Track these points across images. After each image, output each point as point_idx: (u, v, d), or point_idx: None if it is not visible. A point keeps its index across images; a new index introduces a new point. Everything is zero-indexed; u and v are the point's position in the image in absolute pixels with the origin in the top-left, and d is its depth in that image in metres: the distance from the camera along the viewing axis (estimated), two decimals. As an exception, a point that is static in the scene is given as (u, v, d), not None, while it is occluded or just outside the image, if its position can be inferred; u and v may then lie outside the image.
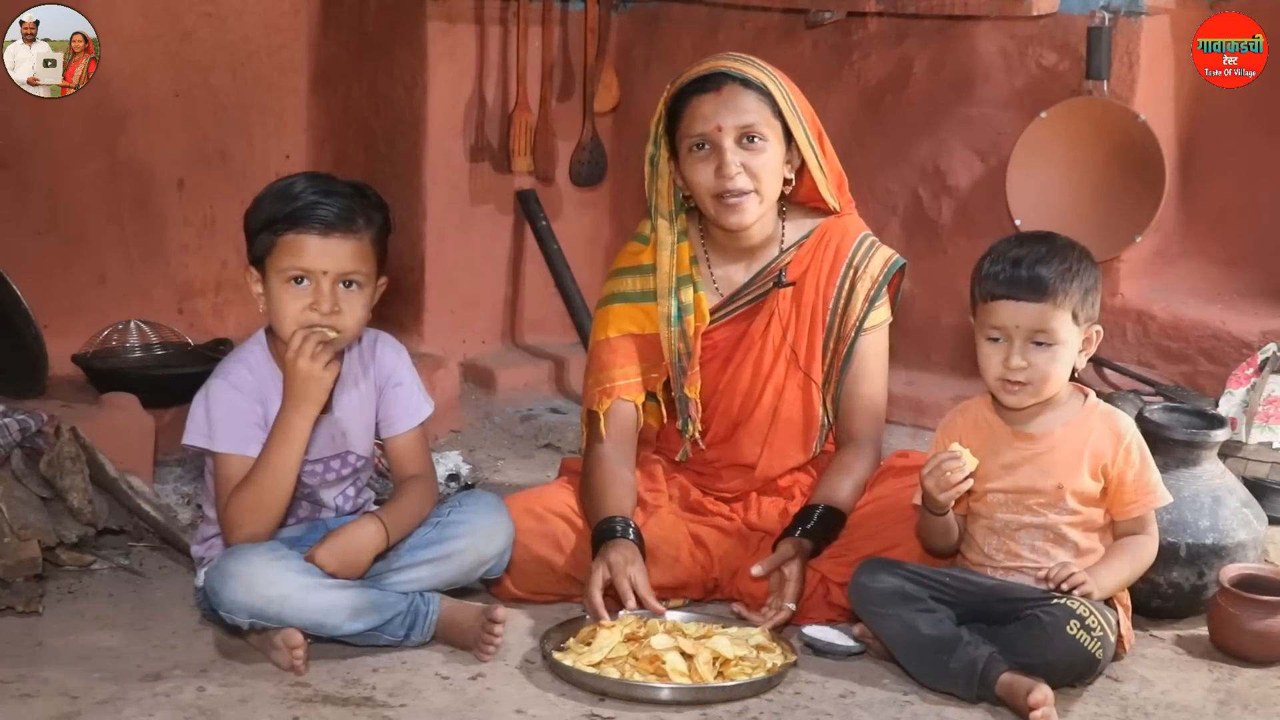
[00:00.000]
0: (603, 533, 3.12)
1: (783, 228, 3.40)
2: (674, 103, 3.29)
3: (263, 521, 2.89)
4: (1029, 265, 2.84)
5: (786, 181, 3.33)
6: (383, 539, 2.95)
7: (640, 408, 3.38)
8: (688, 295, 3.36)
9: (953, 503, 2.90)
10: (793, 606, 3.06)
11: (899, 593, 2.89)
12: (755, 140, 3.23)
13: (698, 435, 3.40)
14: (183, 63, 4.59)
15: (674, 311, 3.34)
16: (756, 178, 3.25)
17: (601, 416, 3.34)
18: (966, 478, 2.85)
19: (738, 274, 3.41)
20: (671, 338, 3.35)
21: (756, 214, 3.29)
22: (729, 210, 3.27)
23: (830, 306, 3.37)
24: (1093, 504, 2.94)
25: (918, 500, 3.00)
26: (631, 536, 3.11)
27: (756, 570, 3.10)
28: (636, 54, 5.00)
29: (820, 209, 3.42)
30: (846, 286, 3.37)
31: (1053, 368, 2.86)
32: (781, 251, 3.39)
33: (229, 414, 2.92)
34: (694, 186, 3.29)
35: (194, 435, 2.95)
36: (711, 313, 3.38)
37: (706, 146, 3.24)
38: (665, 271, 3.36)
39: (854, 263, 3.37)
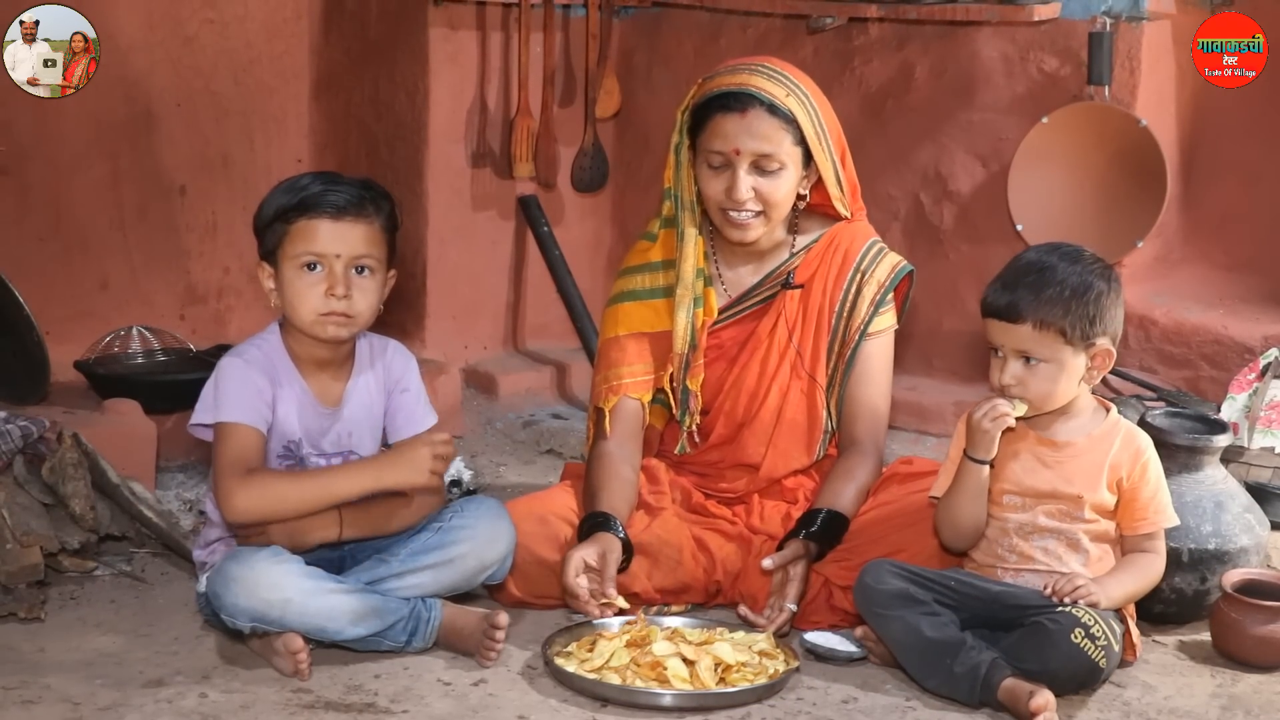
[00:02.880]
0: (589, 526, 3.13)
1: (793, 233, 3.42)
2: (699, 110, 3.29)
3: (268, 514, 2.89)
4: (1012, 287, 2.87)
5: (800, 196, 3.35)
6: (334, 530, 2.95)
7: (646, 406, 3.39)
8: (699, 289, 3.38)
9: (995, 450, 2.90)
10: (794, 607, 3.07)
11: (903, 595, 2.90)
12: (771, 168, 3.24)
13: (694, 429, 3.41)
14: (185, 69, 4.59)
15: (692, 303, 3.35)
16: (767, 202, 3.26)
17: (607, 413, 3.35)
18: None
19: (746, 275, 3.42)
20: (685, 330, 3.36)
21: (760, 233, 3.31)
22: (733, 227, 3.29)
23: (836, 310, 3.38)
24: (1108, 515, 2.95)
25: (937, 493, 3.01)
26: (621, 534, 3.12)
27: (766, 564, 3.11)
28: (638, 60, 5.00)
29: (831, 215, 3.44)
30: (853, 291, 3.38)
31: (1044, 386, 2.88)
32: (791, 255, 3.41)
33: (239, 386, 2.93)
34: (704, 196, 3.31)
35: (201, 414, 2.95)
36: (720, 312, 3.40)
37: (721, 165, 3.25)
38: (691, 264, 3.36)
39: (861, 267, 3.39)
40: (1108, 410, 3.00)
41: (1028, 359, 2.88)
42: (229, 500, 2.89)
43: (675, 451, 3.45)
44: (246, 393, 2.93)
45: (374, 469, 2.94)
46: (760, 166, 3.24)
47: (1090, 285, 2.87)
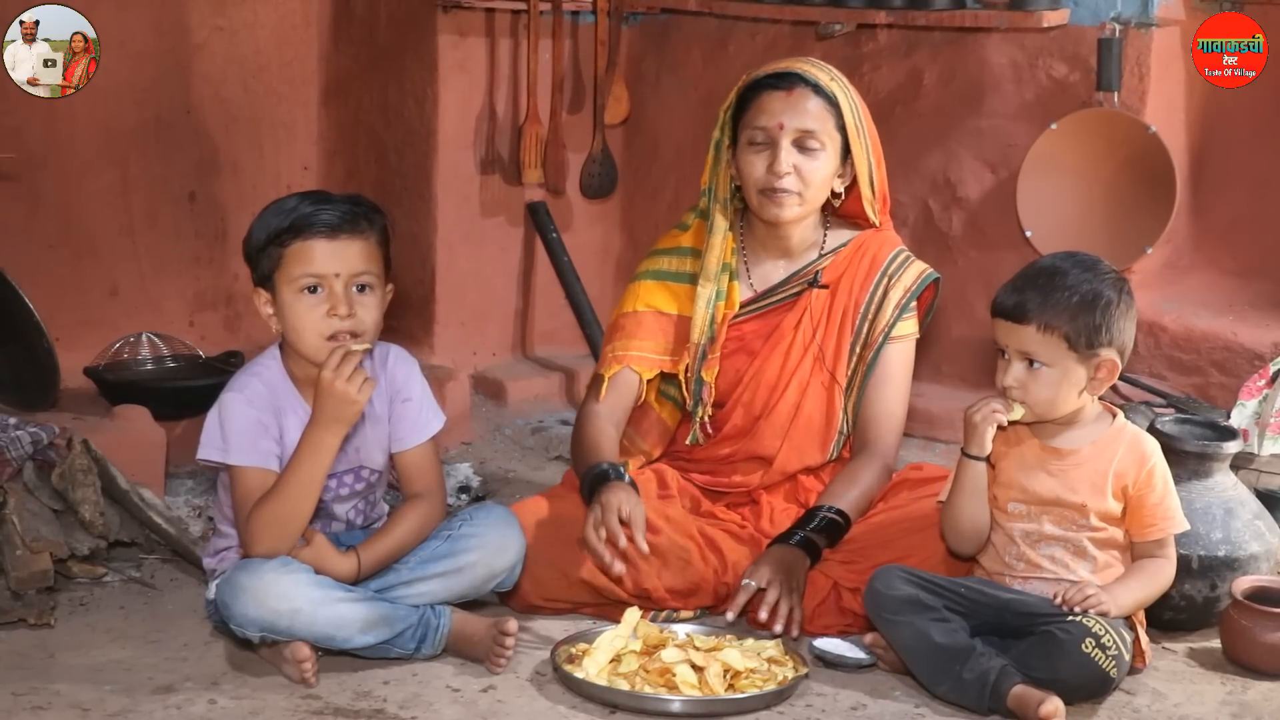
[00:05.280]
0: (595, 479, 3.15)
1: (824, 235, 3.45)
2: (745, 93, 3.36)
3: (284, 536, 2.87)
4: (1022, 289, 2.89)
5: (835, 195, 3.39)
6: (354, 571, 2.94)
7: (644, 382, 3.43)
8: (723, 282, 3.40)
9: (989, 447, 2.92)
10: (749, 583, 3.07)
11: (914, 601, 2.90)
12: (812, 146, 3.29)
13: (706, 419, 3.42)
14: (194, 76, 4.60)
15: (714, 294, 3.38)
16: (805, 181, 3.31)
17: (606, 380, 3.39)
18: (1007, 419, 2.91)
19: (774, 272, 3.46)
20: (706, 319, 3.37)
21: (795, 214, 3.34)
22: (770, 203, 3.33)
23: (861, 311, 3.41)
24: (1114, 523, 2.95)
25: (943, 497, 3.02)
26: (626, 480, 3.14)
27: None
28: (647, 66, 5.01)
29: (860, 225, 3.48)
30: (879, 294, 3.42)
31: (1045, 392, 2.89)
32: (819, 256, 3.45)
33: (244, 427, 2.91)
34: (744, 177, 3.36)
35: (209, 450, 2.94)
36: (744, 305, 3.43)
37: (764, 141, 3.30)
38: (716, 254, 3.41)
39: (888, 272, 3.43)
40: (1113, 416, 2.99)
41: (1031, 362, 2.88)
42: (248, 549, 2.90)
43: (687, 442, 3.46)
44: (253, 433, 2.91)
45: (320, 431, 2.84)
46: (802, 144, 3.30)
47: (1100, 294, 2.87)
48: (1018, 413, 2.90)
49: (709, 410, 3.43)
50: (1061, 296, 2.86)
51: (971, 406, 2.94)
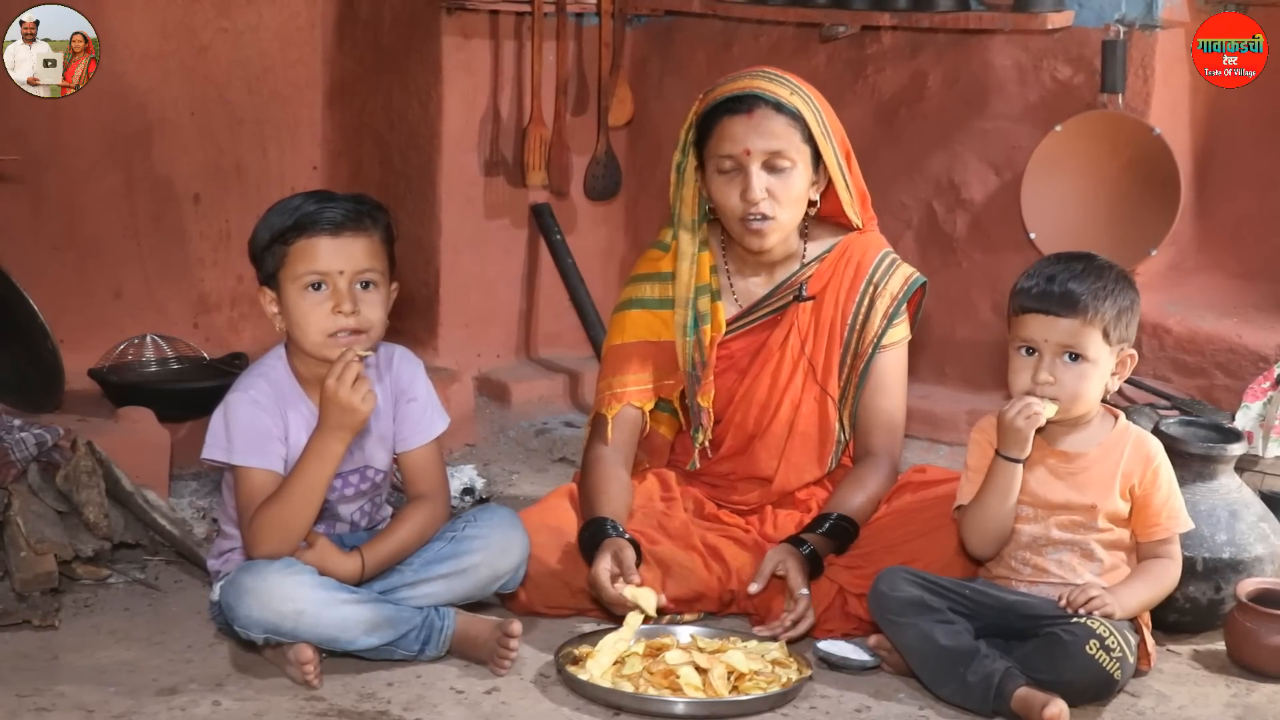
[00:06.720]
0: (593, 534, 3.13)
1: (804, 243, 3.41)
2: (704, 119, 3.29)
3: (287, 538, 2.88)
4: (1062, 281, 2.87)
5: (811, 203, 3.34)
6: (357, 573, 2.94)
7: (646, 414, 3.40)
8: (705, 304, 3.37)
9: (1029, 449, 2.87)
10: (806, 591, 3.06)
11: (918, 602, 2.89)
12: (782, 166, 3.24)
13: (707, 444, 3.41)
14: (199, 78, 4.60)
15: (690, 321, 3.35)
16: (780, 203, 3.25)
17: (609, 420, 3.35)
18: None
19: (758, 286, 3.42)
20: (687, 347, 3.36)
21: (777, 238, 3.30)
22: (752, 234, 3.28)
23: (848, 323, 3.37)
24: (1121, 524, 2.95)
25: (963, 500, 3.00)
26: (626, 536, 3.12)
27: (754, 588, 3.10)
28: (651, 68, 5.01)
29: (842, 225, 3.43)
30: (865, 303, 3.37)
31: (1082, 385, 2.87)
32: (802, 266, 3.40)
33: (249, 428, 2.92)
34: (719, 206, 3.31)
35: (213, 450, 2.94)
36: (729, 323, 3.40)
37: (733, 168, 3.25)
38: (684, 281, 3.37)
39: (874, 280, 3.38)
40: (1116, 418, 2.99)
41: (1070, 355, 2.86)
42: (251, 551, 2.91)
43: (687, 467, 3.45)
44: (258, 433, 2.92)
45: (325, 439, 2.85)
46: (772, 165, 3.24)
47: (1127, 287, 2.90)
48: (1052, 409, 2.88)
49: (709, 434, 3.40)
50: (1102, 289, 2.86)
51: (1007, 409, 2.88)
